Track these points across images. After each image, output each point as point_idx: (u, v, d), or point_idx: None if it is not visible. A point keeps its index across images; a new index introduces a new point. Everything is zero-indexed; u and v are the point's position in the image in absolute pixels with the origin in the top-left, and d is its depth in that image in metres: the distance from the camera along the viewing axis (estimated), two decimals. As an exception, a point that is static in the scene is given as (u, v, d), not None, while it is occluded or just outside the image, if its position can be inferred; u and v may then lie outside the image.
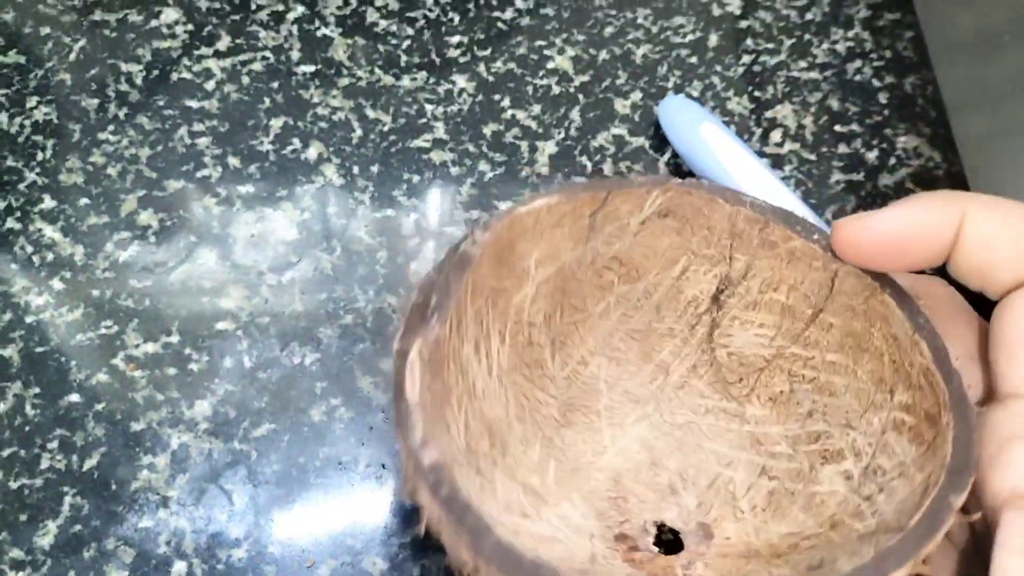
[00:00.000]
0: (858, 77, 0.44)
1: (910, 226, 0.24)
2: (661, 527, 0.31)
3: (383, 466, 0.34)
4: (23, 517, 0.32)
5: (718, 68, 0.44)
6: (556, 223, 0.29)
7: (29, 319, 0.35)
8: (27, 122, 0.39)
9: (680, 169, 0.41)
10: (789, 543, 0.29)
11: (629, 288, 0.32)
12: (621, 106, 0.42)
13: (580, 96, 0.42)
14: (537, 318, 0.31)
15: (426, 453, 0.22)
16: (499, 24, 0.44)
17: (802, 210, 0.37)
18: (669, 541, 0.31)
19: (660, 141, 0.41)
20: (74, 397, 0.34)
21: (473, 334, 0.29)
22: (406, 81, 0.42)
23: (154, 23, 0.43)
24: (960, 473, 0.23)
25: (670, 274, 0.31)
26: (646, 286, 0.32)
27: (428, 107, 0.41)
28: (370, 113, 0.41)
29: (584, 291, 0.31)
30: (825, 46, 0.45)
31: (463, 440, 0.28)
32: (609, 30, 0.44)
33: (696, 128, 0.39)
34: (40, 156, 0.39)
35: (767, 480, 0.31)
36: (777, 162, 0.42)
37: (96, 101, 0.40)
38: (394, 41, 0.43)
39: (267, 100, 0.41)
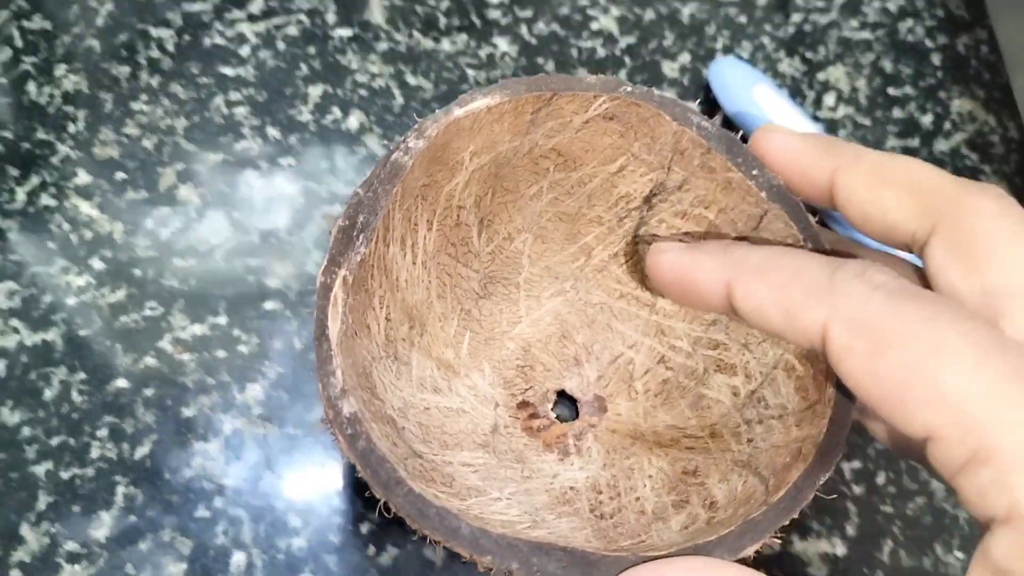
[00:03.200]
0: (910, 37, 0.43)
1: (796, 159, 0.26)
2: (560, 394, 0.33)
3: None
4: (76, 508, 0.32)
5: (768, 27, 0.42)
6: (496, 119, 0.28)
7: (70, 301, 0.34)
8: (56, 92, 0.38)
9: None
10: (672, 436, 0.31)
11: (564, 176, 0.31)
12: (669, 68, 0.41)
13: (626, 58, 0.41)
14: (467, 201, 0.31)
15: (345, 403, 0.23)
16: (540, -17, 0.42)
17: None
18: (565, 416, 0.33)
19: (710, 105, 0.40)
20: (121, 382, 0.33)
21: (400, 233, 0.29)
22: (446, 44, 0.40)
23: (181, -16, 0.41)
24: (829, 454, 0.24)
25: (607, 169, 0.31)
26: (581, 176, 0.31)
27: (470, 72, 0.40)
28: (411, 80, 0.39)
29: (518, 176, 0.31)
30: (876, 4, 0.43)
31: (383, 335, 0.29)
32: (654, -11, 0.43)
33: (749, 90, 0.38)
34: (72, 128, 0.37)
35: (664, 369, 0.32)
36: (831, 127, 0.40)
37: (127, 69, 0.38)
38: (432, 2, 0.41)
39: (304, 67, 0.39)
